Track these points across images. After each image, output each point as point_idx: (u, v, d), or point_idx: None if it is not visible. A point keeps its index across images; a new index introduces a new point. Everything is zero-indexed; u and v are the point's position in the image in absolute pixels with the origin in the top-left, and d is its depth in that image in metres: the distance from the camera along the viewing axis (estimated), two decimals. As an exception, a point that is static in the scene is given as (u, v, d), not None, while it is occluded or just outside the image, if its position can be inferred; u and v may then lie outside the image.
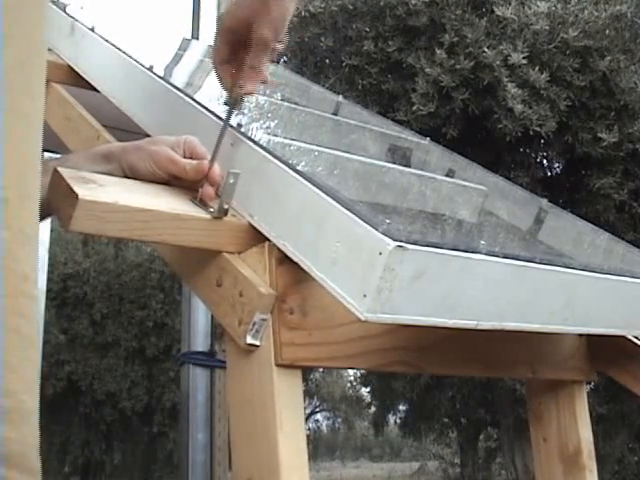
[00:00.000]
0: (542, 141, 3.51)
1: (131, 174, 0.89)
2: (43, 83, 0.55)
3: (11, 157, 0.50)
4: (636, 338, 1.18)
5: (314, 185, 0.78)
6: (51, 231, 4.16)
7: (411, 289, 0.69)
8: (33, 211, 0.53)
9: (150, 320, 7.80)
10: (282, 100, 1.59)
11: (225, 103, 0.92)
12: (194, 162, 0.88)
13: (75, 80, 1.35)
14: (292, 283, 0.81)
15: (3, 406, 0.48)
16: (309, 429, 16.55)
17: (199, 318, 3.91)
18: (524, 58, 2.97)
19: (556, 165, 3.90)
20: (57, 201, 0.76)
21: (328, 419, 18.09)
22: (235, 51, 0.91)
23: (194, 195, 0.87)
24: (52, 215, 0.82)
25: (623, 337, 1.17)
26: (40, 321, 3.89)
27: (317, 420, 17.62)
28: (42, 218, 0.88)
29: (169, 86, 1.10)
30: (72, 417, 8.57)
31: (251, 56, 0.90)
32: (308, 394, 13.36)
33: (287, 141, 1.13)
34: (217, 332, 3.87)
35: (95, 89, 1.30)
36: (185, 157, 0.90)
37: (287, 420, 0.77)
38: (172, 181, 0.90)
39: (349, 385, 15.18)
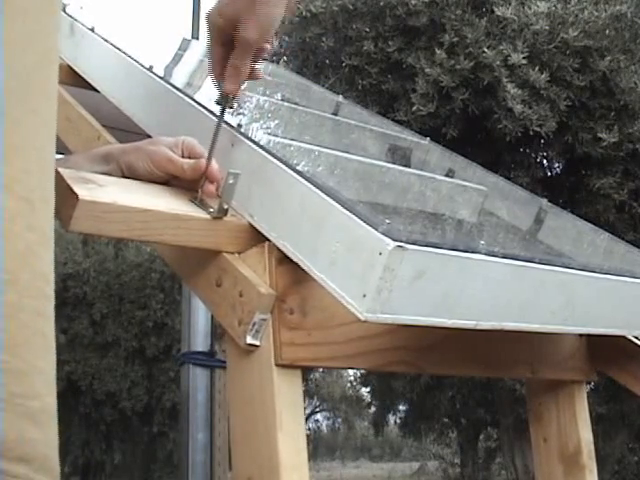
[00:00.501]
0: (542, 141, 3.51)
1: (129, 174, 0.89)
2: (56, 85, 0.55)
3: (35, 161, 0.51)
4: (636, 338, 1.18)
5: (314, 185, 0.78)
6: (51, 231, 4.15)
7: (411, 289, 0.69)
8: (51, 214, 0.53)
9: (150, 320, 7.80)
10: (282, 100, 1.59)
11: (216, 102, 0.92)
12: (191, 161, 0.89)
13: (75, 80, 1.35)
14: (292, 283, 0.81)
15: (33, 408, 0.48)
16: (309, 429, 16.55)
17: (199, 318, 3.91)
18: (524, 58, 2.97)
19: (556, 165, 3.90)
20: (57, 201, 0.76)
21: (328, 419, 18.09)
22: (228, 50, 0.91)
23: (194, 195, 0.87)
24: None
25: (623, 337, 1.17)
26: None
27: (317, 420, 17.63)
28: None
29: (169, 86, 1.10)
30: (72, 417, 8.56)
31: (234, 56, 0.90)
32: (308, 394, 13.35)
33: (287, 141, 1.13)
34: (217, 332, 3.87)
35: (95, 89, 1.30)
36: (184, 157, 0.90)
37: (287, 420, 0.77)
38: (171, 181, 0.90)
39: (349, 385, 15.17)
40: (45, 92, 0.53)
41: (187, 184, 0.89)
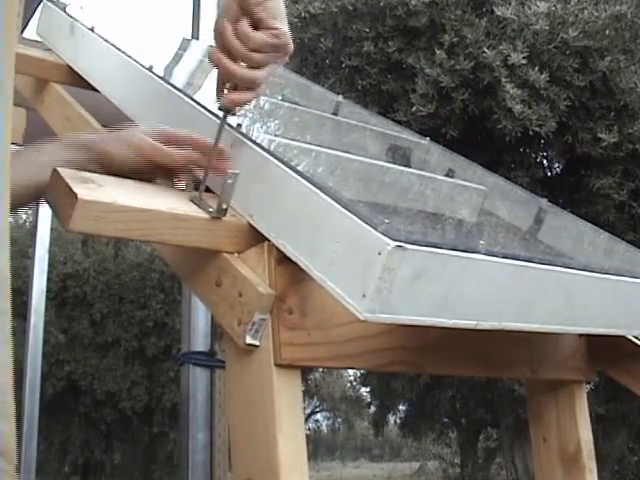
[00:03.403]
0: (542, 141, 3.52)
1: (109, 163, 0.90)
2: (12, 81, 0.55)
3: None
4: (636, 338, 1.18)
5: (313, 185, 0.78)
6: (51, 231, 4.16)
7: (410, 289, 0.69)
8: (5, 210, 0.53)
9: (150, 320, 7.81)
10: (282, 100, 1.59)
11: (219, 108, 0.92)
12: (182, 151, 0.91)
13: (75, 80, 1.35)
14: (291, 283, 0.81)
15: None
16: (309, 429, 16.55)
17: (199, 318, 3.90)
18: (524, 58, 2.97)
19: (556, 165, 3.90)
20: (56, 201, 0.76)
21: (328, 419, 18.10)
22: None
23: (194, 195, 0.87)
24: (32, 202, 0.84)
25: (623, 337, 1.17)
26: (40, 321, 3.89)
27: (317, 420, 17.64)
28: (30, 205, 0.89)
29: (168, 86, 1.10)
30: (72, 417, 8.56)
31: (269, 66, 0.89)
32: (308, 394, 13.35)
33: (287, 141, 1.13)
34: (217, 332, 3.87)
35: (95, 89, 1.30)
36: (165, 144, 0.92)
37: (286, 420, 0.77)
38: (155, 171, 0.91)
39: (349, 385, 15.18)
40: (1, 87, 0.53)
41: (167, 176, 0.90)
